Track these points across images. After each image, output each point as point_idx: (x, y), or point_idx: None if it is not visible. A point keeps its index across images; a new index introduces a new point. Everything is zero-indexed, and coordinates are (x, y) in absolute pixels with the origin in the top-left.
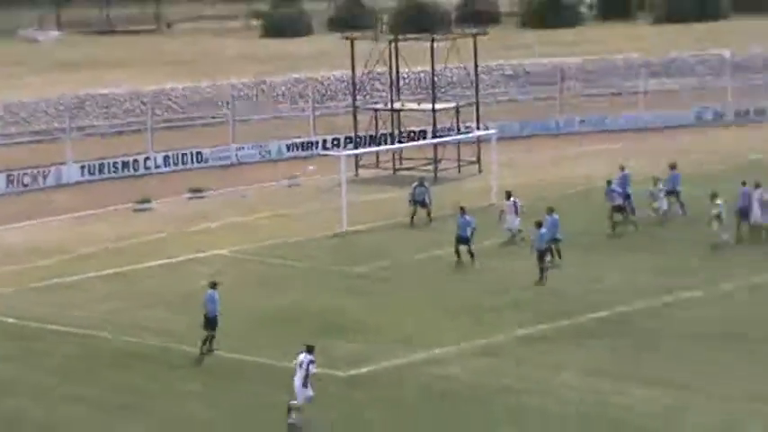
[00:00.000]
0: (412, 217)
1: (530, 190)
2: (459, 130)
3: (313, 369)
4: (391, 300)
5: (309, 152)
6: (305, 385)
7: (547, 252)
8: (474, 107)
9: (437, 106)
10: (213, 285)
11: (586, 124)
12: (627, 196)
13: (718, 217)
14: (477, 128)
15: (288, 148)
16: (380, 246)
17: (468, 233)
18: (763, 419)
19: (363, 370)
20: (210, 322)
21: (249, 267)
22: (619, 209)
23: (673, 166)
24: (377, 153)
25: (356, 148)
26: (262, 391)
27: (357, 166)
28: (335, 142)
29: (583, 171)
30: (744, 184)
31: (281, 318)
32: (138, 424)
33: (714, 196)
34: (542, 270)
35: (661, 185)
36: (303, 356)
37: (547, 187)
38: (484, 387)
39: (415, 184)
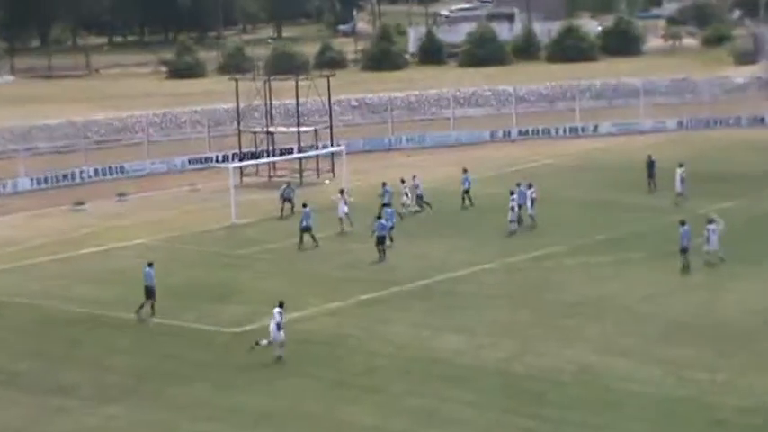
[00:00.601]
0: (282, 211)
1: (370, 189)
2: (317, 146)
3: (282, 318)
4: (267, 275)
5: (206, 165)
6: (279, 329)
7: (385, 238)
8: (329, 129)
9: (301, 129)
10: (150, 264)
11: (411, 141)
12: (419, 196)
13: (512, 209)
14: (331, 144)
15: (189, 162)
16: (260, 234)
17: (311, 223)
18: (519, 343)
19: (247, 328)
20: (149, 292)
21: (163, 251)
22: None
23: (465, 171)
24: (257, 165)
25: (241, 161)
26: (177, 346)
27: (242, 175)
28: (226, 157)
29: (405, 175)
30: (518, 185)
31: (188, 289)
32: (80, 372)
33: (511, 193)
34: (382, 252)
35: (407, 187)
36: (276, 309)
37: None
38: (334, 335)
39: (284, 186)
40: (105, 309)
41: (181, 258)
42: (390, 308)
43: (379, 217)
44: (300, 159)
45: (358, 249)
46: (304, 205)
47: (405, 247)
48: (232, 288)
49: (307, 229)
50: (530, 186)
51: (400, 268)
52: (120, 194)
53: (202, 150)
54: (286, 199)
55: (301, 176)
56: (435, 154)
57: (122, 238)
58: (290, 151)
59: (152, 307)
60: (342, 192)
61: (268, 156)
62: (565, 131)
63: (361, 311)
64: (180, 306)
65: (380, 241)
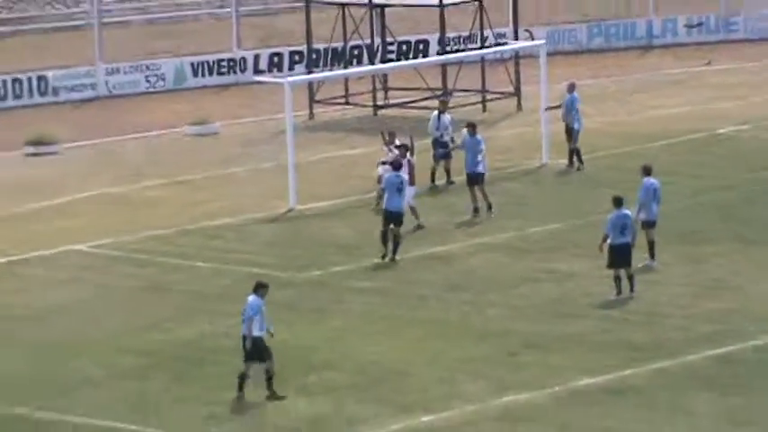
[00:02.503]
0: (433, 175)
1: (607, 139)
2: (484, 39)
3: None
4: (368, 326)
5: (231, 78)
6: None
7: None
8: (509, 1)
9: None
10: (258, 288)
11: (701, 32)
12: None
13: None
14: (516, 36)
15: (194, 70)
16: (350, 234)
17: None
18: None
19: None
20: (256, 349)
21: (127, 270)
22: None
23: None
24: (346, 79)
25: (310, 71)
26: None
27: (312, 102)
28: (275, 60)
29: (695, 109)
30: None
31: (176, 367)
32: None
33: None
34: (622, 280)
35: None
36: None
37: (632, 135)
38: None
39: (435, 114)
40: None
41: (170, 289)
42: (646, 409)
43: (619, 203)
44: (444, 67)
45: (570, 273)
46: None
47: (678, 270)
48: (290, 364)
49: (394, 218)
50: None
51: (669, 318)
52: (37, 142)
53: (222, 45)
54: (442, 148)
55: (445, 104)
56: (755, 57)
57: (41, 240)
58: (422, 49)
59: (269, 383)
60: (400, 147)
61: (372, 59)
62: None
63: (578, 416)
64: (167, 409)
65: (622, 258)
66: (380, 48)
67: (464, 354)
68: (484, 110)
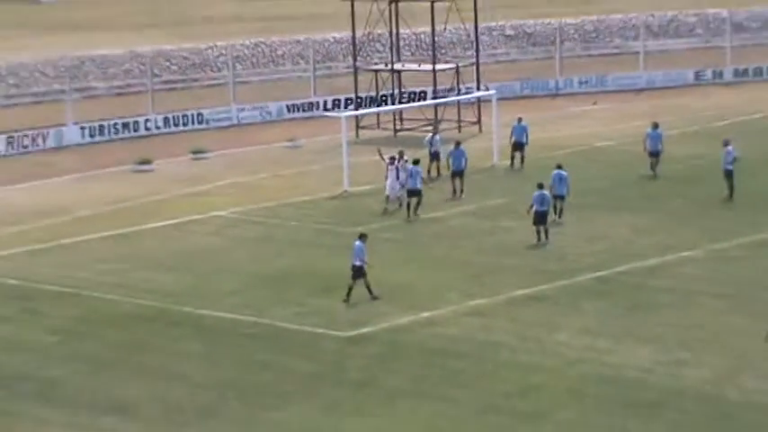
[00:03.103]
0: (429, 171)
1: (532, 150)
2: (459, 90)
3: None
4: (390, 261)
5: (310, 113)
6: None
7: (546, 214)
8: (474, 67)
9: (437, 67)
10: (361, 236)
11: (586, 84)
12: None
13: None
14: (478, 88)
15: (288, 108)
16: (381, 206)
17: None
18: (734, 360)
19: (364, 330)
20: (357, 272)
21: (251, 227)
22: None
23: (655, 125)
24: (377, 114)
25: (357, 108)
26: (260, 351)
27: (358, 127)
28: (336, 103)
29: (584, 131)
30: (726, 144)
31: (286, 278)
32: (140, 384)
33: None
34: (543, 232)
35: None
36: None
37: (548, 147)
38: (479, 344)
39: (429, 136)
40: (174, 302)
41: (275, 237)
42: (555, 308)
43: (540, 186)
44: (436, 107)
45: (511, 228)
46: (416, 161)
47: (575, 226)
48: (344, 278)
49: (415, 193)
50: (725, 144)
51: (569, 254)
52: (197, 151)
53: (305, 94)
54: (434, 156)
55: (436, 130)
56: (619, 101)
57: (198, 209)
58: (422, 96)
59: (369, 290)
60: (397, 158)
61: (393, 102)
62: None
63: (516, 312)
64: (276, 300)
65: (541, 219)
66: (398, 95)
67: (447, 276)
68: (459, 131)
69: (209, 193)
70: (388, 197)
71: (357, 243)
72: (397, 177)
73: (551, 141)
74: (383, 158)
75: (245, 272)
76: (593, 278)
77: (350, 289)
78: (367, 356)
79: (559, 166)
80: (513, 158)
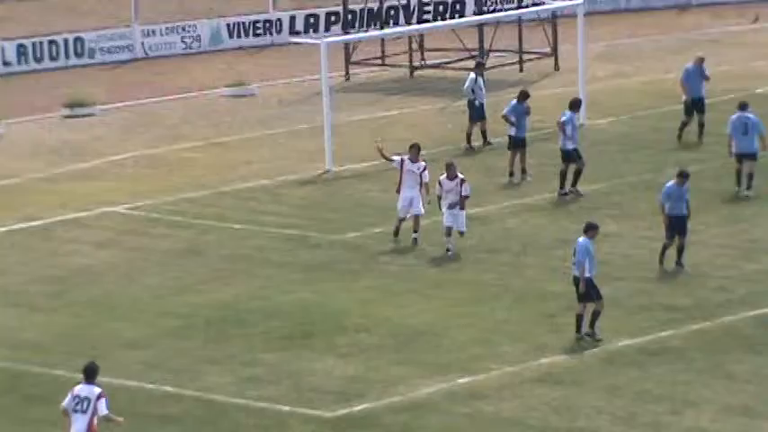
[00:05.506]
0: (468, 138)
1: (646, 98)
2: (521, 0)
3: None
4: (407, 289)
5: (267, 39)
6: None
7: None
8: None
9: None
10: (589, 229)
11: None
12: None
13: None
14: None
15: (230, 31)
16: (386, 195)
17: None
18: None
19: (356, 408)
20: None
21: (162, 233)
22: None
23: None
24: (382, 40)
25: (346, 31)
26: None
27: (348, 63)
28: (311, 21)
29: (735, 67)
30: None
31: (217, 319)
32: None
33: None
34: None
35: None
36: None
37: (671, 94)
38: None
39: (471, 76)
40: (40, 362)
41: (206, 251)
42: (684, 370)
43: (743, 107)
44: (481, 27)
45: (610, 234)
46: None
47: (720, 228)
48: (325, 317)
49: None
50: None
51: (709, 278)
52: (73, 104)
53: (259, 6)
54: (478, 111)
55: (481, 65)
56: None
57: (76, 203)
58: (458, 8)
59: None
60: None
61: (408, 19)
62: None
63: (618, 377)
64: (207, 358)
65: (680, 228)
66: (417, 8)
67: (499, 315)
68: (521, 70)
69: (95, 176)
70: (400, 219)
71: (581, 240)
72: (420, 187)
73: (674, 85)
74: (386, 157)
75: (154, 310)
76: (751, 318)
77: (579, 320)
78: None
79: (743, 106)
80: (683, 127)
